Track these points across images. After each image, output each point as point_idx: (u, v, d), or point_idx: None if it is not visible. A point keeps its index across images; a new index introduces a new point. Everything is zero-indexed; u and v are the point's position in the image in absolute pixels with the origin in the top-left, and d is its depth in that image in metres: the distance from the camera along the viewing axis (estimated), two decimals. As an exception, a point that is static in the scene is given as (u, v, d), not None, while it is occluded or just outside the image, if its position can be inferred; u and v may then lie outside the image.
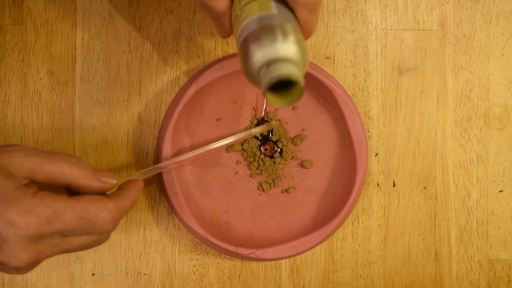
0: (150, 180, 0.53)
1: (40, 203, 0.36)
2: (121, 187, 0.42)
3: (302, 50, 0.37)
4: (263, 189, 0.52)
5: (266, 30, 0.37)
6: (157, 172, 0.48)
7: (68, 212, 0.37)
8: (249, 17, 0.38)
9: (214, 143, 0.49)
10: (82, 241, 0.39)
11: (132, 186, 0.42)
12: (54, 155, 0.39)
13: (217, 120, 0.52)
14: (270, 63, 0.36)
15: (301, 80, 0.35)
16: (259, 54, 0.36)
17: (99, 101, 0.52)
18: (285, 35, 0.37)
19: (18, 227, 0.35)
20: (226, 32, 0.42)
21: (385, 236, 0.53)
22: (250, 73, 0.37)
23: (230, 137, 0.50)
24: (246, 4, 0.39)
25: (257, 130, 0.50)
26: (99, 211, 0.38)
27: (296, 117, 0.52)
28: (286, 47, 0.36)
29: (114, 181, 0.41)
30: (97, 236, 0.40)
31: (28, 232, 0.36)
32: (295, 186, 0.52)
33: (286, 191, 0.52)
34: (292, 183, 0.53)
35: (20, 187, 0.36)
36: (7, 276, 0.52)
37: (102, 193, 0.41)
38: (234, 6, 0.40)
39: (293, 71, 0.35)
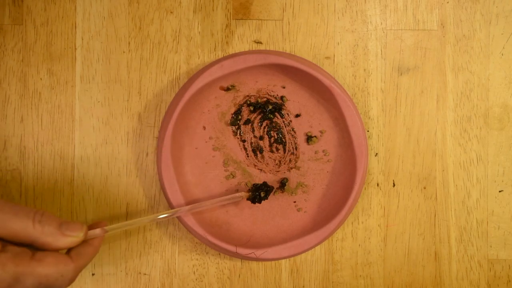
0: (150, 181, 0.53)
1: (2, 268, 0.36)
2: (87, 242, 0.41)
3: None
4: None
5: None
6: (129, 227, 0.46)
7: (29, 277, 0.37)
8: None
9: (206, 202, 0.49)
10: None
11: (96, 242, 0.42)
12: (20, 212, 0.38)
13: (218, 119, 0.52)
14: None
15: None
16: None
17: (99, 101, 0.52)
18: None
19: None
20: None
21: (385, 236, 0.53)
22: None
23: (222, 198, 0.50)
24: None
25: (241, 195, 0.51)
26: (59, 276, 0.38)
27: (296, 117, 0.52)
28: None
29: (81, 234, 0.40)
30: None
31: None
32: (295, 186, 0.52)
33: (286, 191, 0.52)
34: (292, 183, 0.53)
35: None
36: (7, 276, 0.52)
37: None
38: None
39: None
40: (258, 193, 0.51)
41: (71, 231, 0.40)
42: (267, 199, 0.51)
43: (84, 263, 0.40)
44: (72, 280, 0.39)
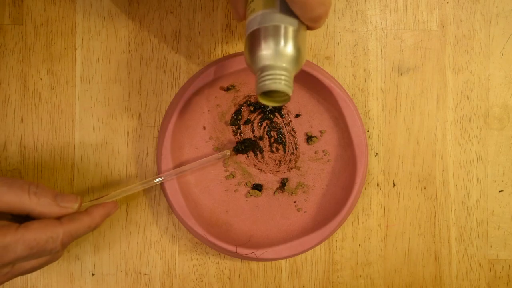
0: (150, 180, 0.53)
1: None
2: (85, 210, 0.43)
3: (297, 54, 0.38)
4: (250, 195, 0.52)
5: (264, 34, 0.38)
6: (130, 193, 0.48)
7: (18, 244, 0.37)
8: (255, 12, 0.39)
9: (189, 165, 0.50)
10: (33, 264, 0.40)
11: (94, 210, 0.43)
12: (15, 184, 0.39)
13: (218, 119, 0.52)
14: (264, 69, 0.38)
15: (289, 91, 0.38)
16: (256, 58, 0.38)
17: (99, 101, 0.52)
18: (280, 40, 0.38)
19: None
20: (239, 17, 0.42)
21: (385, 236, 0.53)
22: (250, 67, 0.39)
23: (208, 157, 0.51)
24: None
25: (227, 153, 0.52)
26: (48, 238, 0.39)
27: (296, 117, 0.52)
28: (280, 55, 0.38)
29: (75, 205, 0.42)
30: (49, 257, 0.40)
31: None
32: (295, 186, 0.53)
33: (286, 191, 0.52)
34: (292, 183, 0.53)
35: None
36: (7, 276, 0.52)
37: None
38: None
39: (281, 84, 0.37)
40: (241, 142, 0.52)
41: (66, 202, 0.41)
42: (251, 149, 0.52)
43: (76, 228, 0.41)
44: (65, 243, 0.40)
